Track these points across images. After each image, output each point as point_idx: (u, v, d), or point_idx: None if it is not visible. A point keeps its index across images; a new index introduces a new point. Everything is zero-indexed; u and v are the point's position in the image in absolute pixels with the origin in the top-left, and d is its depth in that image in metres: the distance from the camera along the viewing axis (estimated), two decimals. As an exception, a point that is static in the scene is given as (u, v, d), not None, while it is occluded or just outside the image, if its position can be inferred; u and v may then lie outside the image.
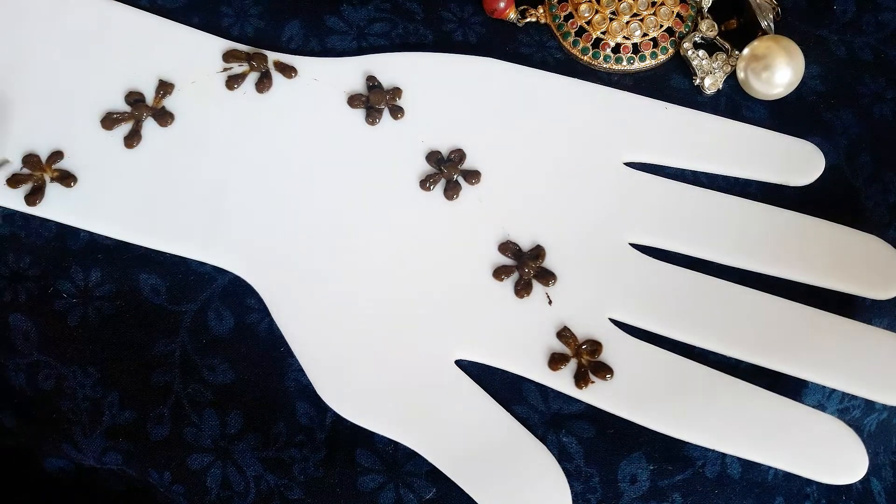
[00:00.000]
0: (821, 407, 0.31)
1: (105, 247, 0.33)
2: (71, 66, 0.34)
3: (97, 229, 0.33)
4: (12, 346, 0.32)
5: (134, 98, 0.33)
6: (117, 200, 0.33)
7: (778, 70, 0.33)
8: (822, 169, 0.33)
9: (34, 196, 0.32)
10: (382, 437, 0.31)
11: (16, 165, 0.33)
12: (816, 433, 0.30)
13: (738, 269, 0.32)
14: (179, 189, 0.33)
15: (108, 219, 0.33)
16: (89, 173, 0.33)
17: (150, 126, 0.33)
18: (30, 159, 0.33)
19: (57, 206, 0.33)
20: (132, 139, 0.33)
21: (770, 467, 0.30)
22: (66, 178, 0.33)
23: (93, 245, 0.33)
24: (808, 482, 0.30)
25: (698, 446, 0.30)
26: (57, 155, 0.33)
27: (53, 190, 0.33)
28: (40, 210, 0.33)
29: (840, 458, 0.29)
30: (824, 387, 0.31)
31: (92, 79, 0.34)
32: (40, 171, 0.33)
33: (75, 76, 0.34)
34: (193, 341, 0.32)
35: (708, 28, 0.34)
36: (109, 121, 0.33)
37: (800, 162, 0.33)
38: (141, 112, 0.33)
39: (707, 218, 0.32)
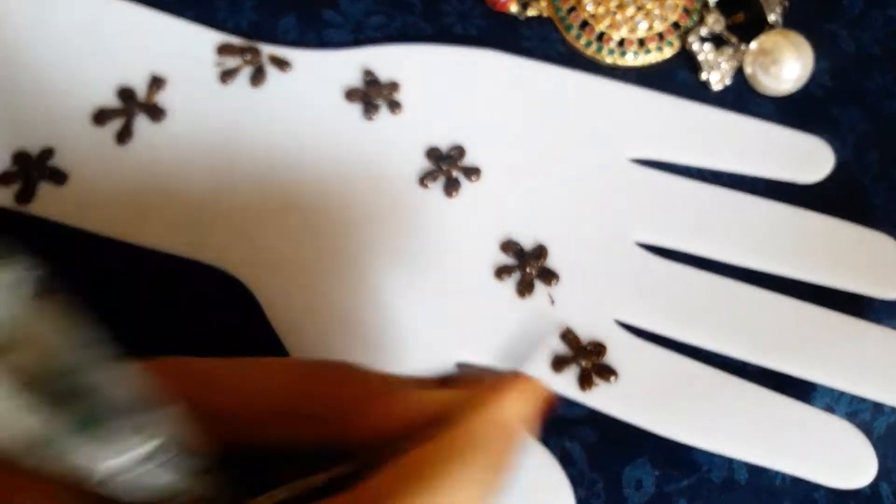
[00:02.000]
0: (830, 409, 0.30)
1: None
2: (62, 61, 0.33)
3: (89, 227, 0.32)
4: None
5: (126, 94, 0.33)
6: (109, 198, 0.32)
7: (786, 65, 0.32)
8: (832, 165, 0.32)
9: (25, 194, 0.32)
10: (382, 441, 0.30)
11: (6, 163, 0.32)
12: (825, 436, 0.29)
13: (746, 267, 0.31)
14: (172, 186, 0.32)
15: (100, 217, 0.32)
16: (81, 171, 0.32)
17: (142, 122, 0.33)
18: (20, 157, 0.32)
19: (48, 205, 0.32)
20: (124, 136, 0.32)
21: (778, 472, 0.30)
22: (58, 176, 0.32)
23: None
24: (816, 487, 0.30)
25: (704, 451, 0.30)
26: (48, 152, 0.32)
27: (44, 188, 0.32)
28: (31, 208, 0.32)
29: (849, 461, 0.29)
30: (833, 389, 0.30)
31: (83, 74, 0.33)
32: (31, 168, 0.32)
33: (66, 71, 0.33)
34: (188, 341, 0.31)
35: (714, 22, 0.33)
36: (101, 117, 0.33)
37: (808, 158, 0.32)
38: (133, 108, 0.33)
39: (714, 215, 0.32)
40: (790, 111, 0.33)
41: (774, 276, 0.31)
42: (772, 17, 0.33)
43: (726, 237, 0.31)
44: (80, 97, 0.33)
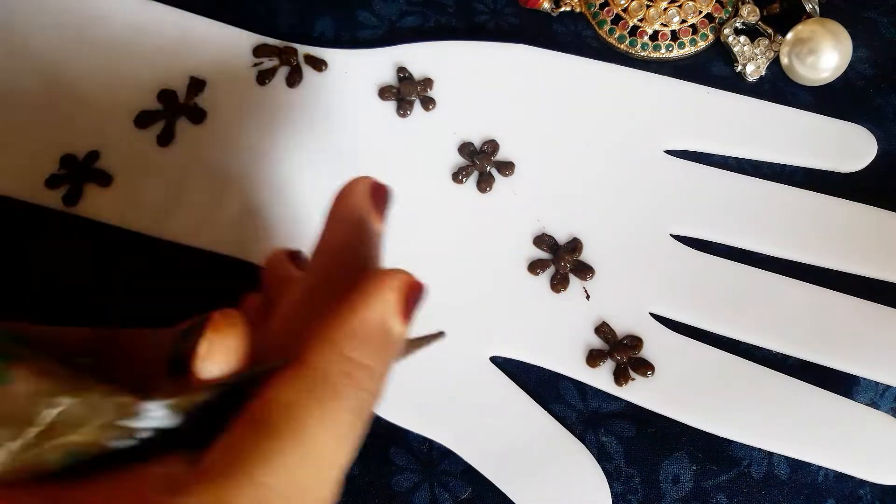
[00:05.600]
0: (874, 405, 0.30)
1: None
2: (105, 65, 0.34)
3: (134, 227, 0.33)
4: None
5: (166, 96, 0.34)
6: (153, 199, 0.33)
7: (824, 54, 0.31)
8: (874, 154, 0.31)
9: (72, 196, 0.33)
10: (417, 436, 0.30)
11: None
12: (869, 431, 0.29)
13: (785, 260, 0.31)
14: (214, 186, 0.33)
15: (145, 217, 0.33)
16: (125, 173, 0.33)
17: (183, 124, 0.33)
18: (67, 160, 0.33)
19: (94, 206, 0.33)
20: (165, 138, 0.33)
21: (820, 467, 0.29)
22: (103, 178, 0.33)
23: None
24: (862, 483, 0.29)
25: (744, 445, 0.29)
26: (93, 155, 0.33)
27: (90, 190, 0.33)
28: (78, 210, 0.33)
29: (894, 457, 0.28)
30: (877, 383, 0.30)
31: (125, 78, 0.34)
32: (77, 171, 0.33)
33: (109, 76, 0.34)
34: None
35: (749, 13, 0.33)
36: (143, 120, 0.33)
37: (850, 147, 0.32)
38: (174, 110, 0.33)
39: (752, 207, 0.31)
40: (829, 101, 0.32)
41: (815, 268, 0.31)
42: (809, 6, 0.32)
43: (765, 229, 0.31)
44: (123, 100, 0.34)
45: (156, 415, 0.17)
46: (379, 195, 0.21)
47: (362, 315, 0.18)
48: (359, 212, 0.20)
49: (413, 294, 0.19)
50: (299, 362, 0.17)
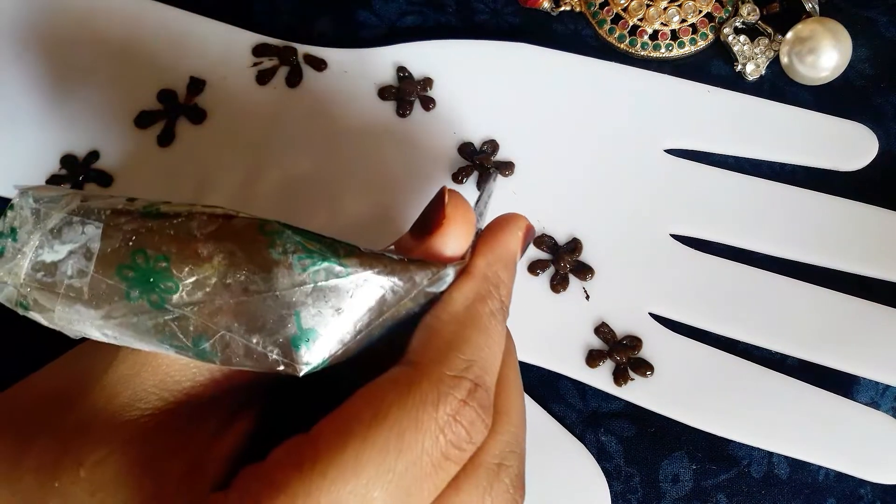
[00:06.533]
0: (874, 405, 0.30)
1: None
2: (105, 65, 0.34)
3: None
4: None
5: (166, 96, 0.34)
6: (154, 199, 0.33)
7: (824, 53, 0.31)
8: (875, 152, 0.31)
9: (71, 196, 0.33)
10: (417, 435, 0.30)
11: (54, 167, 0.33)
12: (869, 431, 0.29)
13: (785, 259, 0.31)
14: (214, 186, 0.33)
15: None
16: (125, 173, 0.33)
17: (183, 124, 0.33)
18: (67, 160, 0.33)
19: (93, 206, 0.33)
20: (165, 138, 0.33)
21: (820, 467, 0.29)
22: (103, 178, 0.33)
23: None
24: (862, 483, 0.29)
25: (744, 445, 0.29)
26: (93, 155, 0.33)
27: (91, 190, 0.33)
28: (77, 209, 0.33)
29: (894, 457, 0.28)
30: (877, 383, 0.30)
31: (126, 78, 0.34)
32: (77, 171, 0.33)
33: (110, 75, 0.34)
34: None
35: (749, 12, 0.33)
36: (143, 120, 0.33)
37: (851, 145, 0.31)
38: (173, 110, 0.33)
39: (752, 207, 0.31)
40: (829, 101, 0.32)
41: (815, 268, 0.31)
42: (808, 6, 0.32)
43: (765, 229, 0.31)
44: (123, 100, 0.34)
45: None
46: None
47: (505, 246, 0.22)
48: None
49: (528, 237, 0.23)
50: (468, 273, 0.21)
